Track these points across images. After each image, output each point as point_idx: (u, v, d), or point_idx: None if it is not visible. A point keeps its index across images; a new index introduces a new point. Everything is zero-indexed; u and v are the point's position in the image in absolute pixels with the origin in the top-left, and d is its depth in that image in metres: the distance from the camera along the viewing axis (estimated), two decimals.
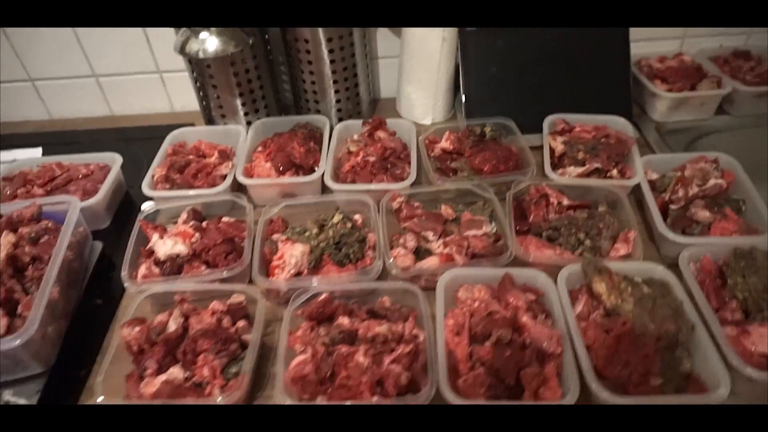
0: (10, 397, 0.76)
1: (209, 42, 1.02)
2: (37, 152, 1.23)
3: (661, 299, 0.77)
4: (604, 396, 0.67)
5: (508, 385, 0.71)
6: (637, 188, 0.98)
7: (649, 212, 0.93)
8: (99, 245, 0.98)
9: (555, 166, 1.03)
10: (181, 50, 1.05)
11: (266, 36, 1.18)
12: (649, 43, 1.31)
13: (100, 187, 1.03)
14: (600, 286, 0.78)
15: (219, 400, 0.71)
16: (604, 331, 0.73)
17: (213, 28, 1.02)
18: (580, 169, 1.00)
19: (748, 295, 0.76)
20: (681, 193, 0.92)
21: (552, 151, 1.06)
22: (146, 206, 1.08)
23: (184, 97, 1.37)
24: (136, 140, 1.26)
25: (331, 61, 1.14)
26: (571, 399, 0.67)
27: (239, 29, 1.05)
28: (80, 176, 1.06)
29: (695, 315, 0.75)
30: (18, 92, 1.34)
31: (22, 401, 0.75)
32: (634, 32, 1.22)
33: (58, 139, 1.30)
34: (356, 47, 1.16)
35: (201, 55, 1.03)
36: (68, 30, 1.23)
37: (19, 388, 0.76)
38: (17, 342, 0.71)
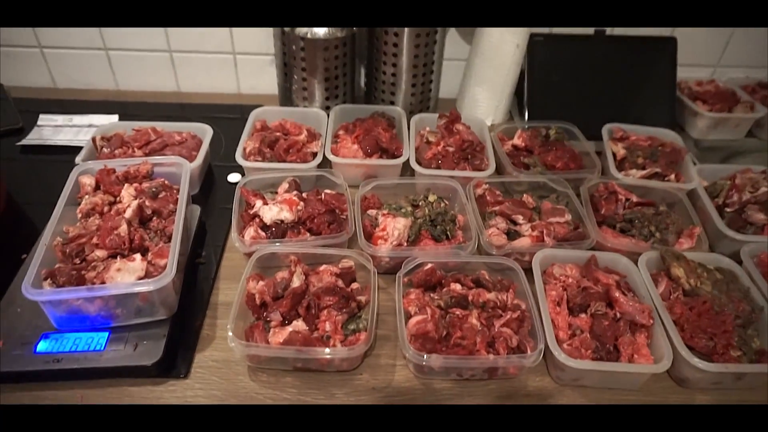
0: (137, 340, 0.80)
1: None
2: (114, 118, 1.26)
3: (732, 284, 0.87)
4: (695, 361, 0.76)
5: (608, 350, 0.79)
6: (690, 193, 1.10)
7: (705, 213, 1.04)
8: (197, 208, 1.02)
9: (617, 168, 1.14)
10: (290, 29, 1.10)
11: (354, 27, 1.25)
12: (685, 69, 1.44)
13: (195, 154, 1.07)
14: (678, 271, 0.88)
15: (343, 351, 0.77)
16: (689, 308, 0.83)
17: None
18: (642, 172, 1.11)
19: None
20: (735, 197, 1.04)
21: (614, 154, 1.16)
22: (234, 177, 1.14)
23: (253, 79, 1.43)
24: (208, 117, 1.30)
25: (415, 56, 1.22)
26: (666, 364, 0.76)
27: None
28: (175, 143, 1.10)
29: (762, 300, 0.86)
30: (89, 60, 1.37)
31: (149, 344, 0.79)
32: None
33: (131, 108, 1.33)
34: (437, 46, 1.24)
35: (309, 35, 1.09)
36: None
37: (147, 332, 0.80)
38: (159, 284, 0.75)
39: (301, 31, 1.10)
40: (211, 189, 1.13)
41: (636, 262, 0.91)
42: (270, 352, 0.77)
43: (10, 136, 1.22)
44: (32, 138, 1.21)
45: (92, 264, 0.81)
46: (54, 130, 1.23)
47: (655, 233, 0.99)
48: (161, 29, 1.32)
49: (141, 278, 0.78)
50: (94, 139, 1.07)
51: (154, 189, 0.91)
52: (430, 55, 1.25)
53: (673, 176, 1.11)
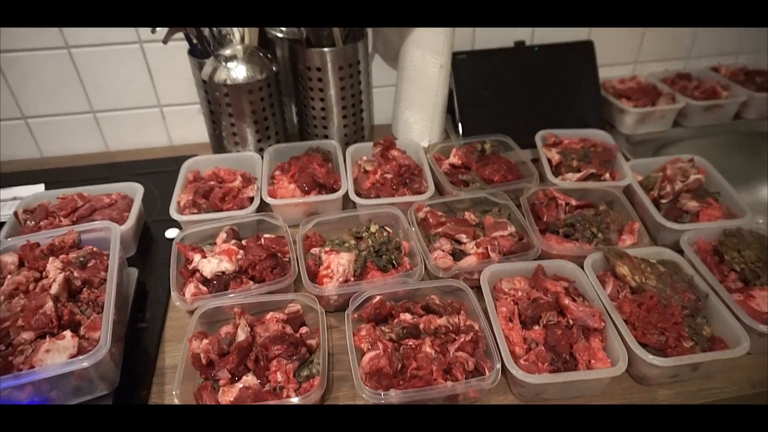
0: None
1: (238, 70, 1.07)
2: (39, 188, 1.21)
3: (676, 275, 0.88)
4: (649, 358, 0.76)
5: (565, 360, 0.79)
6: (627, 189, 1.12)
7: (642, 207, 1.06)
8: (134, 271, 0.98)
9: (554, 174, 1.15)
10: (210, 79, 1.09)
11: (275, 67, 1.25)
12: (608, 68, 1.49)
13: (126, 215, 1.03)
14: (623, 269, 0.89)
15: (299, 400, 0.74)
16: (637, 305, 0.84)
17: (240, 56, 1.07)
18: (578, 174, 1.13)
19: (744, 266, 0.89)
20: (669, 188, 1.07)
21: (549, 160, 1.18)
22: (172, 232, 1.10)
23: (182, 130, 1.40)
24: (140, 173, 1.26)
25: (341, 88, 1.22)
26: (622, 365, 0.76)
27: (263, 57, 1.11)
28: (104, 206, 1.06)
29: (705, 286, 0.87)
30: (8, 130, 1.31)
31: None
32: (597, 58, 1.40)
33: (58, 175, 1.28)
34: (362, 75, 1.25)
35: (229, 81, 1.08)
36: (68, 64, 1.24)
37: None
38: (94, 359, 0.71)
39: (221, 78, 1.08)
40: (149, 248, 1.09)
41: (582, 266, 0.91)
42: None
43: None
44: None
45: (19, 348, 0.76)
46: None
47: (598, 234, 1.00)
48: (80, 90, 1.28)
49: (73, 356, 0.73)
50: (16, 213, 1.02)
51: (81, 258, 0.86)
52: (356, 86, 1.25)
53: (608, 175, 1.14)
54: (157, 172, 1.28)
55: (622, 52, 1.49)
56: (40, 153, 1.37)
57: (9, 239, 0.93)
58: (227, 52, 1.08)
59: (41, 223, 1.00)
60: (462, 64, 1.33)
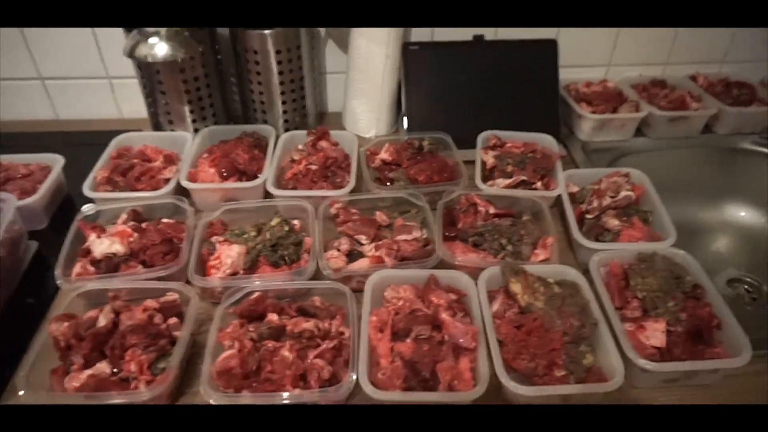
0: None
1: (159, 47, 1.05)
2: None
3: (570, 298, 0.83)
4: (511, 385, 0.72)
5: (424, 378, 0.75)
6: (559, 199, 1.06)
7: (568, 221, 1.00)
8: (34, 245, 0.98)
9: (486, 179, 1.10)
10: (130, 54, 1.07)
11: (216, 45, 1.22)
12: (578, 69, 1.41)
13: (39, 187, 1.03)
14: (516, 286, 0.84)
15: (144, 393, 0.72)
16: (516, 327, 0.79)
17: (163, 33, 1.04)
18: (507, 181, 1.07)
19: (646, 294, 0.83)
20: (595, 203, 1.00)
21: (483, 164, 1.12)
22: (86, 208, 1.09)
23: (133, 104, 1.38)
24: (82, 144, 1.25)
25: (280, 73, 1.19)
26: (480, 390, 0.72)
27: (189, 36, 1.08)
28: (19, 176, 1.06)
29: (599, 313, 0.82)
30: None
31: None
32: (565, 58, 1.32)
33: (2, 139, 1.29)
34: (304, 60, 1.21)
35: (150, 59, 1.05)
36: (15, 31, 1.24)
37: None
38: None
39: (142, 53, 1.05)
40: (65, 223, 1.08)
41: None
42: (59, 399, 0.73)
43: None
44: None
45: None
46: None
47: (507, 246, 0.95)
48: (27, 56, 1.28)
49: None
50: None
51: None
52: (298, 71, 1.21)
53: (539, 184, 1.07)
54: (100, 143, 1.27)
55: (593, 53, 1.40)
56: None
57: None
58: (150, 28, 1.05)
59: None
60: (414, 56, 1.27)
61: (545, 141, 1.19)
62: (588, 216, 1.01)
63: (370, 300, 0.84)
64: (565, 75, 1.38)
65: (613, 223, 0.96)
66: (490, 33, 1.32)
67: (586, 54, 1.40)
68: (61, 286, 0.88)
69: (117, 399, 0.72)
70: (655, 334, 0.78)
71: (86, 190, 1.04)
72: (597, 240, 0.97)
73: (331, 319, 0.83)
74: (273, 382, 0.74)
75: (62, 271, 0.89)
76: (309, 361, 0.76)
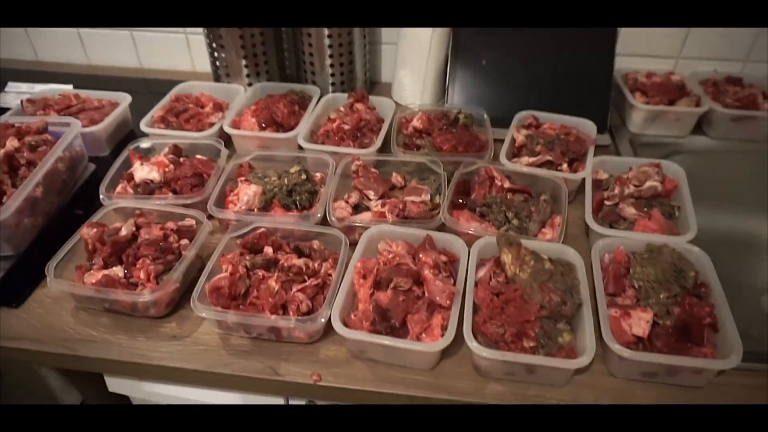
0: None
1: None
2: (68, 87, 1.39)
3: (560, 276, 0.81)
4: (473, 346, 0.72)
5: (393, 326, 0.77)
6: (584, 184, 1.02)
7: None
8: (92, 167, 1.11)
9: (513, 156, 1.09)
10: None
11: None
12: (643, 59, 1.33)
13: (104, 118, 1.17)
14: (506, 257, 0.83)
15: (145, 296, 0.81)
16: (494, 294, 0.79)
17: None
18: (531, 159, 1.05)
19: (642, 283, 0.79)
20: (617, 190, 0.96)
21: (513, 141, 1.11)
22: (140, 140, 1.22)
23: (204, 58, 1.51)
24: (155, 90, 1.40)
25: (329, 36, 1.25)
26: (443, 343, 0.73)
27: None
28: (92, 108, 1.20)
29: (587, 296, 0.79)
30: (63, 36, 1.52)
31: None
32: (630, 47, 1.26)
33: (89, 80, 1.46)
34: (354, 29, 1.26)
35: None
36: None
37: None
38: None
39: None
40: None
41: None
42: (75, 289, 0.83)
43: None
44: None
45: None
46: (16, 95, 1.39)
47: (512, 220, 0.94)
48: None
49: None
50: (22, 102, 1.20)
51: (33, 142, 1.00)
52: (346, 36, 1.26)
53: (565, 166, 1.04)
54: (167, 91, 1.41)
55: (659, 44, 1.32)
56: (88, 59, 1.57)
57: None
58: None
59: (37, 112, 1.17)
60: (465, 32, 1.27)
61: (584, 126, 1.14)
62: (607, 202, 0.97)
63: (363, 249, 0.87)
64: (627, 64, 1.32)
65: (629, 211, 0.92)
66: None
67: (650, 44, 1.32)
68: (103, 202, 1.00)
69: (121, 296, 0.81)
70: (639, 323, 0.74)
71: (143, 126, 1.16)
72: (611, 226, 0.93)
73: (323, 262, 0.87)
74: (256, 306, 0.80)
75: (106, 189, 1.00)
76: (291, 293, 0.81)
